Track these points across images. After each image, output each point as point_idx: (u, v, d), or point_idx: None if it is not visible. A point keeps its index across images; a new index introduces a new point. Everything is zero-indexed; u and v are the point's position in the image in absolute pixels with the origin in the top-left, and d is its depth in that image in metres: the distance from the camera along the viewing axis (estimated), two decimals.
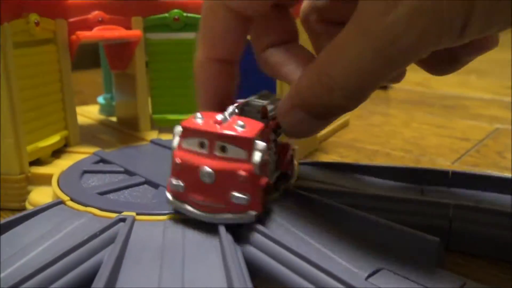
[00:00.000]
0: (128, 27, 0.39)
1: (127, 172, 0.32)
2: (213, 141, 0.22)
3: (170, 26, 0.40)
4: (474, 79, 0.80)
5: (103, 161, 0.34)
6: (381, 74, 0.18)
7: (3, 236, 0.24)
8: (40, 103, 0.34)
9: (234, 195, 0.22)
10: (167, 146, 0.37)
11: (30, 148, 0.33)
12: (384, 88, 0.73)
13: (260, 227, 0.23)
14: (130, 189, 0.30)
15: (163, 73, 0.41)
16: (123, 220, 0.25)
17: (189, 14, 0.40)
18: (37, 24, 0.32)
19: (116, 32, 0.36)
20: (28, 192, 0.32)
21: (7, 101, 0.30)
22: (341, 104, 0.19)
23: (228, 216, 0.22)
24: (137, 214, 0.25)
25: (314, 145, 0.44)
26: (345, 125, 0.52)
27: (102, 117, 0.48)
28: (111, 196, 0.28)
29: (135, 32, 0.37)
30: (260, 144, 0.21)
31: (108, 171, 0.33)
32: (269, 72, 0.24)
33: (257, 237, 0.22)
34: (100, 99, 0.49)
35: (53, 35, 0.35)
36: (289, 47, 0.23)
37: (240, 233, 0.23)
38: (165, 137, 0.40)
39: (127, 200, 0.28)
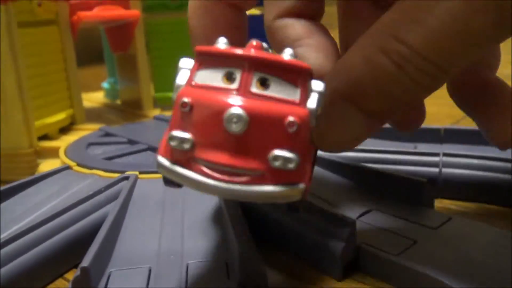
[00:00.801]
0: (127, 9, 0.40)
1: (130, 142, 0.33)
2: (250, 70, 0.14)
3: (168, 6, 0.41)
4: None
5: (108, 134, 0.36)
6: (479, 38, 0.12)
7: (14, 197, 0.25)
8: (45, 81, 0.35)
9: (276, 155, 0.13)
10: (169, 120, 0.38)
11: (38, 123, 0.34)
12: None
13: None
14: (133, 155, 0.31)
15: (163, 52, 0.42)
16: (126, 178, 0.26)
17: None
18: (39, 5, 0.34)
19: (115, 12, 0.38)
20: (37, 165, 0.33)
21: (14, 78, 0.32)
22: (416, 84, 0.13)
23: (264, 190, 0.14)
24: (140, 173, 0.27)
25: None
26: None
27: (107, 100, 0.49)
28: (116, 160, 0.30)
29: (134, 12, 0.39)
30: (319, 84, 0.14)
31: (113, 142, 0.34)
32: (278, 47, 0.17)
33: None
34: (105, 84, 0.50)
35: (56, 16, 0.36)
36: (310, 24, 0.17)
37: None
38: (168, 113, 0.42)
39: (130, 162, 0.29)
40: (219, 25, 0.18)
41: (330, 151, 0.16)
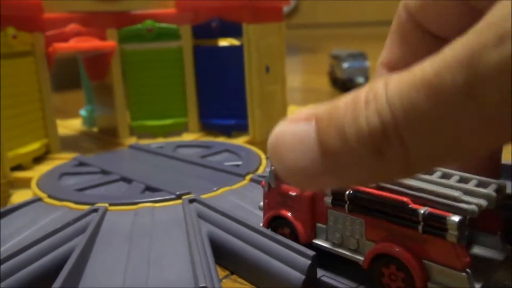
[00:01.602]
0: (104, 39, 0.41)
1: (103, 172, 0.34)
2: None
3: (144, 37, 0.42)
4: None
5: (82, 164, 0.36)
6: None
7: None
8: (20, 112, 0.36)
9: None
10: (144, 149, 0.39)
11: (11, 154, 0.34)
12: None
13: (218, 206, 0.25)
14: (106, 185, 0.31)
15: (139, 81, 0.43)
16: (95, 210, 0.26)
17: (161, 24, 0.42)
18: (14, 37, 0.34)
19: (91, 43, 0.38)
20: (10, 196, 0.33)
21: None
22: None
23: None
24: (110, 204, 0.27)
25: None
26: None
27: (84, 128, 0.49)
28: (87, 192, 0.30)
29: (110, 43, 0.39)
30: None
31: (86, 172, 0.34)
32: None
33: (215, 215, 0.24)
34: (82, 112, 0.51)
35: (32, 48, 0.37)
36: None
37: (202, 211, 0.25)
38: (144, 142, 0.42)
39: (102, 194, 0.30)
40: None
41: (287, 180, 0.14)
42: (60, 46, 0.37)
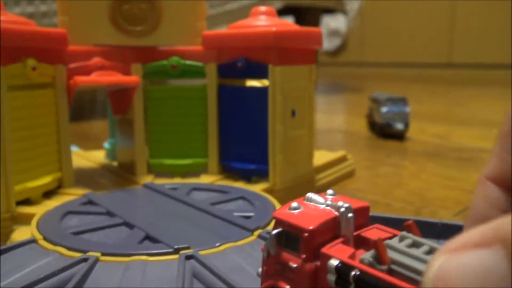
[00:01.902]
0: (128, 73, 0.40)
1: (109, 213, 0.32)
2: None
3: (168, 73, 0.41)
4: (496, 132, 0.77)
5: (90, 202, 0.35)
6: None
7: None
8: (34, 144, 0.35)
9: None
10: (158, 190, 0.37)
11: (18, 187, 0.33)
12: (400, 138, 0.71)
13: (215, 267, 0.22)
14: (106, 229, 0.29)
15: (160, 118, 0.42)
16: (85, 260, 0.24)
17: (187, 62, 0.41)
18: (34, 69, 0.34)
19: (113, 77, 0.37)
20: (12, 231, 0.32)
21: None
22: None
23: None
24: (102, 254, 0.25)
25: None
26: (350, 175, 0.51)
27: (106, 161, 0.48)
28: (85, 236, 0.28)
29: (132, 78, 0.39)
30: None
31: (91, 212, 0.33)
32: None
33: (211, 277, 0.22)
34: (106, 144, 0.50)
35: (52, 80, 0.36)
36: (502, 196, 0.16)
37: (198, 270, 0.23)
38: (160, 181, 0.40)
39: (99, 240, 0.28)
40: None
41: None
42: (81, 79, 0.36)
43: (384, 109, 0.73)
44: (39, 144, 0.36)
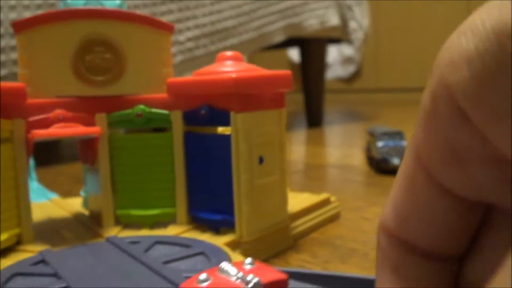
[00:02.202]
0: (93, 124, 0.39)
1: (56, 275, 0.31)
2: None
3: (134, 122, 0.40)
4: None
5: (43, 261, 0.33)
6: None
7: None
8: None
9: None
10: (118, 245, 0.36)
11: None
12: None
13: None
14: None
15: (127, 168, 0.41)
16: None
17: (152, 110, 0.40)
18: None
19: (72, 129, 0.37)
20: None
21: None
22: None
23: None
24: None
25: (287, 243, 0.41)
26: (333, 218, 0.49)
27: (81, 210, 0.47)
28: None
29: (93, 129, 0.38)
30: None
31: (39, 274, 0.31)
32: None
33: None
34: (82, 192, 0.49)
35: (10, 134, 0.36)
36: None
37: None
38: (126, 233, 0.39)
39: None
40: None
41: None
42: (38, 133, 0.35)
43: (380, 144, 0.71)
44: None
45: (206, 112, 0.38)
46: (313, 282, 0.30)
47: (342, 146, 1.04)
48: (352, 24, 1.39)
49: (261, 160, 0.38)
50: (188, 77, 0.39)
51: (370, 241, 0.42)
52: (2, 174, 0.35)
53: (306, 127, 1.38)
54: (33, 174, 0.63)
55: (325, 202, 0.49)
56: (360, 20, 1.41)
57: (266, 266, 0.21)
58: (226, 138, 0.37)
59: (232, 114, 0.37)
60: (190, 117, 0.40)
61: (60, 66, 0.38)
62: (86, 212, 0.46)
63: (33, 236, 0.38)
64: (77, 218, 0.45)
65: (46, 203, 0.51)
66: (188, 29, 1.01)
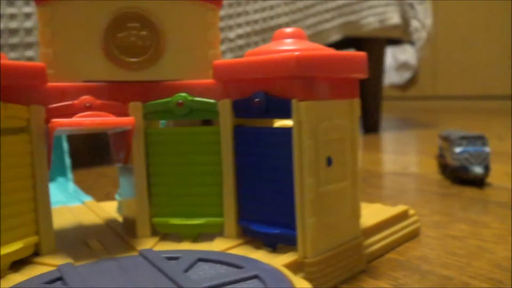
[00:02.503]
0: (125, 114, 0.33)
1: None
2: None
3: (173, 112, 0.33)
4: None
5: (60, 279, 0.27)
6: None
7: None
8: (2, 203, 0.28)
9: None
10: (152, 261, 0.29)
11: None
12: (479, 185, 0.59)
13: None
14: None
15: (165, 168, 0.34)
16: None
17: (195, 98, 0.33)
18: None
19: (100, 119, 0.30)
20: None
21: None
22: None
23: None
24: None
25: (361, 265, 0.33)
26: (412, 236, 0.40)
27: (114, 216, 0.41)
28: None
29: (126, 120, 0.31)
30: None
31: None
32: None
33: None
34: (117, 196, 0.43)
35: (26, 123, 0.30)
36: None
37: None
38: (163, 246, 0.32)
39: None
40: None
41: None
42: (60, 122, 0.29)
43: (457, 150, 0.61)
44: (10, 202, 0.29)
45: (261, 101, 0.31)
46: None
47: (403, 153, 0.94)
48: (414, 23, 1.28)
49: (329, 161, 0.31)
50: (239, 59, 0.32)
51: (468, 267, 0.33)
52: (14, 171, 0.29)
53: (362, 132, 1.28)
54: (69, 175, 0.58)
55: (403, 216, 0.40)
56: (423, 19, 1.30)
57: None
58: (286, 133, 0.30)
59: (294, 102, 0.29)
60: (241, 108, 0.32)
61: (88, 45, 0.32)
62: (120, 219, 0.40)
63: (54, 246, 0.31)
64: (109, 225, 0.38)
65: (79, 207, 0.45)
66: (239, 25, 0.94)
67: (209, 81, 0.33)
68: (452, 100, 2.30)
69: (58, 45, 0.32)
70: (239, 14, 0.94)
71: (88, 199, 0.48)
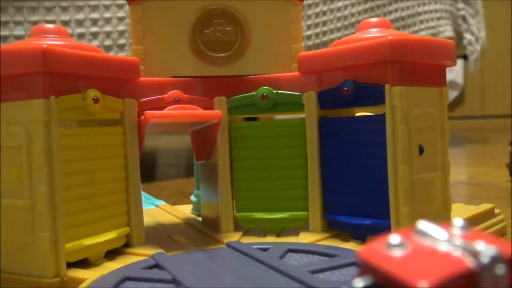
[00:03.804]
0: (210, 108, 0.33)
1: (175, 281, 0.24)
2: None
3: (258, 106, 0.33)
4: None
5: (157, 266, 0.27)
6: None
7: None
8: (94, 192, 0.29)
9: None
10: (243, 251, 0.29)
11: (71, 245, 0.27)
12: None
13: None
14: None
15: (248, 162, 0.34)
16: None
17: (280, 91, 0.33)
18: (95, 101, 0.28)
19: (190, 112, 0.31)
20: None
21: (44, 187, 0.25)
22: None
23: None
24: None
25: None
26: (501, 233, 0.38)
27: (191, 216, 0.41)
28: None
29: (214, 113, 0.32)
30: None
31: (154, 279, 0.25)
32: None
33: None
34: (192, 197, 0.43)
35: (120, 116, 0.31)
36: None
37: None
38: (249, 240, 0.32)
39: None
40: None
41: None
42: (153, 114, 0.30)
43: None
44: (103, 192, 0.30)
45: (350, 89, 0.31)
46: None
47: (466, 165, 0.91)
48: (468, 36, 1.26)
49: (421, 150, 0.30)
50: (325, 49, 0.32)
51: None
52: (109, 162, 0.30)
53: None
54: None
55: (490, 213, 0.38)
56: (476, 32, 1.28)
57: (485, 234, 0.14)
58: (379, 120, 0.29)
59: (387, 87, 0.29)
60: (326, 99, 0.32)
61: (176, 42, 0.33)
62: (199, 219, 0.40)
63: (143, 238, 0.32)
64: (188, 223, 0.39)
65: (154, 210, 0.46)
66: None
67: (293, 74, 0.34)
68: (501, 118, 2.22)
69: (148, 43, 0.33)
70: None
71: (162, 203, 0.48)
